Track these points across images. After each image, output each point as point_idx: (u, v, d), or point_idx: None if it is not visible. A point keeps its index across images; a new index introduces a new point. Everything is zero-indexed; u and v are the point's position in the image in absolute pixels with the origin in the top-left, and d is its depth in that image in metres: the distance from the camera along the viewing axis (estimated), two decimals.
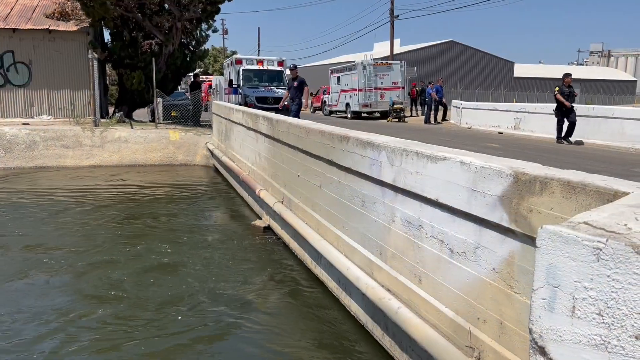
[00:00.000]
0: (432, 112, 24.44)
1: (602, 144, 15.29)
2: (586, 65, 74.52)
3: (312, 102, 39.45)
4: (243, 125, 10.69)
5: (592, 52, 76.16)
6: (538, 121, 18.56)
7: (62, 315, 5.37)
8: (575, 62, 79.11)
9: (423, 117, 25.66)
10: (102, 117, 17.44)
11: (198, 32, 20.27)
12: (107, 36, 20.02)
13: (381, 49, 46.30)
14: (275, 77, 20.93)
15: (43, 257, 7.20)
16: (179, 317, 5.37)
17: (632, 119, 15.06)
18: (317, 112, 36.96)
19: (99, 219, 9.41)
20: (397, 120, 26.94)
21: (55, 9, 18.86)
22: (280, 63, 21.63)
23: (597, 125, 15.97)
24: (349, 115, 30.29)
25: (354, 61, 30.96)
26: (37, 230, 8.57)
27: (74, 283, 6.34)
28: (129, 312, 5.47)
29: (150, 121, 19.13)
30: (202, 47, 20.97)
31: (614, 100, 46.84)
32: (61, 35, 18.31)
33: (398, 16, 35.35)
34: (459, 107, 23.85)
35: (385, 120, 27.39)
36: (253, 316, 5.56)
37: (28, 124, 16.16)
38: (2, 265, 6.88)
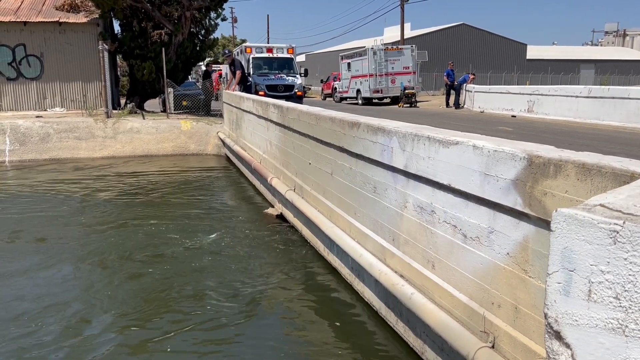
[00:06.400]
0: (453, 97, 24.60)
1: (617, 125, 15.06)
2: (601, 45, 73.12)
3: (322, 89, 39.36)
4: (254, 114, 10.68)
5: (607, 32, 74.47)
6: (552, 104, 18.31)
7: (72, 306, 5.45)
8: (590, 43, 77.62)
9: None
10: (114, 108, 17.53)
11: (207, 20, 20.23)
12: (117, 27, 20.08)
13: (391, 34, 45.86)
14: (285, 65, 20.85)
15: (56, 244, 7.31)
16: (194, 305, 5.42)
17: None
18: (327, 98, 36.85)
19: (112, 210, 9.51)
20: (408, 105, 26.76)
21: (65, 1, 18.91)
22: (290, 50, 21.53)
23: (612, 107, 15.72)
24: (359, 102, 30.16)
25: (364, 47, 30.74)
26: (50, 221, 8.67)
27: (85, 273, 6.42)
28: (142, 302, 5.53)
29: (161, 111, 19.21)
30: (212, 36, 20.93)
31: (630, 81, 45.97)
32: (71, 27, 18.37)
33: (408, 0, 34.94)
34: (471, 91, 23.61)
35: (396, 106, 27.23)
36: (267, 303, 5.59)
37: (41, 116, 16.30)
38: (27, 253, 7.00)
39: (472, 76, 24.87)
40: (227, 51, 18.20)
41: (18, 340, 4.68)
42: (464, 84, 24.30)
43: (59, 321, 5.08)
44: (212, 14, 20.20)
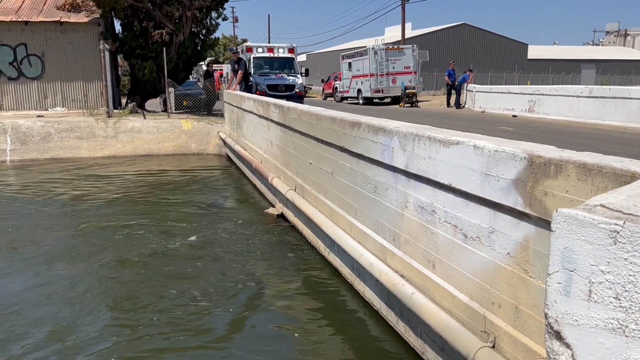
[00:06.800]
0: (454, 97, 24.64)
1: (619, 125, 15.06)
2: (602, 45, 73.03)
3: (323, 89, 39.36)
4: (254, 114, 10.68)
5: (608, 32, 74.43)
6: (553, 103, 18.31)
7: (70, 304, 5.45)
8: (591, 43, 77.52)
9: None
10: (115, 107, 17.53)
11: (208, 20, 20.23)
12: (118, 27, 20.10)
13: (392, 34, 45.83)
14: (286, 65, 20.84)
15: (53, 245, 7.32)
16: (192, 304, 5.42)
17: None
18: (328, 98, 36.85)
19: (109, 210, 9.50)
20: (409, 105, 26.76)
21: (66, 1, 18.92)
22: (291, 50, 21.51)
23: (613, 107, 15.71)
24: (360, 101, 30.16)
25: (365, 46, 30.72)
26: (49, 219, 8.67)
27: (86, 271, 6.43)
28: (140, 301, 5.53)
29: (162, 111, 19.21)
30: (213, 36, 20.93)
31: (631, 81, 45.89)
32: (72, 26, 18.39)
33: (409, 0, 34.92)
34: (472, 91, 23.61)
35: (397, 106, 27.22)
36: (266, 303, 5.60)
37: (42, 116, 16.32)
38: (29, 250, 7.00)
39: (470, 73, 24.86)
40: (233, 48, 18.15)
41: None
42: (464, 83, 24.30)
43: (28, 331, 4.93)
44: (213, 14, 20.20)
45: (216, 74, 27.93)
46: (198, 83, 25.66)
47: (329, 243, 6.33)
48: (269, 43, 34.80)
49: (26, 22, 17.91)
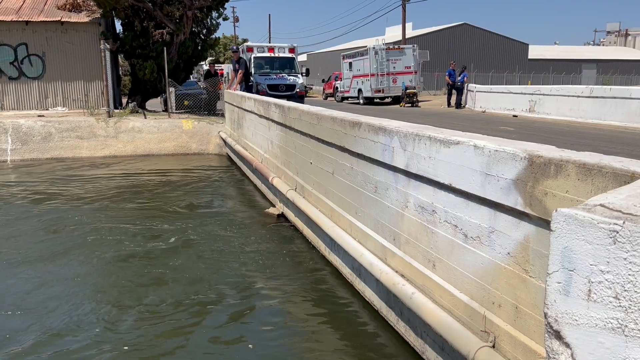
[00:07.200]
0: (455, 97, 24.64)
1: (619, 125, 15.05)
2: (603, 45, 73.03)
3: (324, 89, 39.37)
4: (255, 113, 10.69)
5: (608, 32, 74.51)
6: (553, 103, 18.31)
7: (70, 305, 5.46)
8: (592, 42, 77.54)
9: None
10: (115, 107, 17.55)
11: (209, 20, 20.24)
12: (118, 27, 20.11)
13: (393, 34, 45.85)
14: (286, 64, 20.85)
15: (55, 242, 7.32)
16: (195, 304, 5.42)
17: None
18: (329, 98, 36.86)
19: (112, 209, 9.50)
20: (410, 105, 26.76)
21: (66, 1, 18.92)
22: (292, 50, 21.53)
23: (614, 107, 15.70)
24: (361, 101, 30.17)
25: (366, 46, 30.73)
26: (44, 220, 8.68)
27: (83, 273, 6.43)
28: (141, 301, 5.53)
29: (163, 111, 19.21)
30: (213, 36, 20.94)
31: (632, 81, 45.87)
32: (73, 26, 18.40)
33: None
34: (472, 91, 23.62)
35: (398, 106, 27.23)
36: (266, 302, 5.60)
37: (43, 115, 16.32)
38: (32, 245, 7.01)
39: (465, 71, 24.97)
40: (234, 47, 18.19)
41: None
42: (464, 82, 24.31)
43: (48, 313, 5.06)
44: (214, 14, 20.21)
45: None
46: (199, 83, 25.68)
47: (329, 243, 6.34)
48: (269, 43, 34.81)
49: (27, 22, 17.92)
